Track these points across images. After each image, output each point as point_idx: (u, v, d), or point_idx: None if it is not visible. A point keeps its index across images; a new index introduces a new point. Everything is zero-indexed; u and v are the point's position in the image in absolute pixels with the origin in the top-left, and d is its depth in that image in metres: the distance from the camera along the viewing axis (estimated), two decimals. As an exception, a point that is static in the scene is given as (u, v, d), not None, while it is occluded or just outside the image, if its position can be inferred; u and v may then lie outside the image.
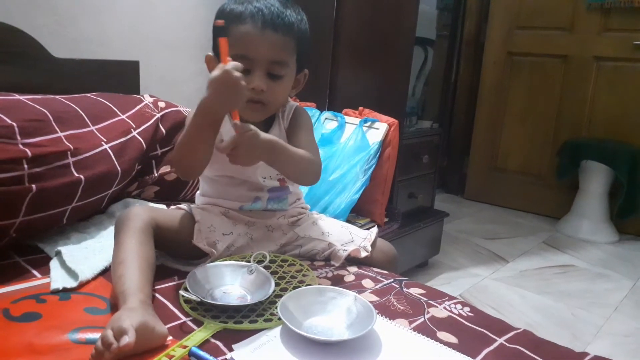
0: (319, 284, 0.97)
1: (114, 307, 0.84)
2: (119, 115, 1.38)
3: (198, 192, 1.18)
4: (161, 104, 1.52)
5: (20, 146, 1.08)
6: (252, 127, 0.89)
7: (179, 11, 1.94)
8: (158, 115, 1.47)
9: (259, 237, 1.11)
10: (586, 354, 0.84)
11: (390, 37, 1.89)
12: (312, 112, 1.93)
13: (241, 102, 0.88)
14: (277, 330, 0.81)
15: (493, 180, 3.23)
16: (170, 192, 1.46)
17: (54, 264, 1.01)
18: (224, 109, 0.90)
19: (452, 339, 0.84)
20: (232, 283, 0.93)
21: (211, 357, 0.71)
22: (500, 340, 0.85)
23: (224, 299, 0.89)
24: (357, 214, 1.79)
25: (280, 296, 0.85)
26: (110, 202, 1.31)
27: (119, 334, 0.69)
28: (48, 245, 1.09)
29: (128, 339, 0.68)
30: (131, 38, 1.80)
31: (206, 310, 0.85)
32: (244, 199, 1.11)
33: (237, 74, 0.85)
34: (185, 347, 0.73)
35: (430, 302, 0.97)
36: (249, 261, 0.97)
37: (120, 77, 1.67)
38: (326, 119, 1.91)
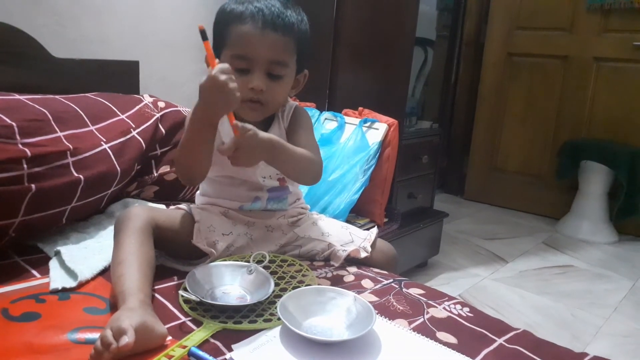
0: (318, 284, 0.97)
1: (114, 307, 0.84)
2: (119, 115, 1.38)
3: (198, 192, 1.18)
4: (161, 104, 1.52)
5: (20, 146, 1.08)
6: (251, 126, 0.89)
7: (179, 11, 1.94)
8: (158, 115, 1.47)
9: (259, 237, 1.11)
10: (585, 354, 0.84)
11: (390, 38, 1.89)
12: (312, 112, 1.93)
13: (234, 105, 0.87)
14: (276, 331, 0.81)
15: (493, 181, 3.23)
16: (170, 192, 1.46)
17: (53, 263, 1.01)
18: (217, 114, 0.90)
19: (452, 339, 0.84)
20: (231, 283, 0.93)
21: (211, 357, 0.71)
22: (500, 341, 0.85)
23: (224, 299, 0.89)
24: (356, 214, 1.79)
25: (279, 296, 0.85)
26: (109, 202, 1.31)
27: (118, 334, 0.69)
28: (47, 245, 1.09)
29: (127, 339, 0.68)
30: (131, 38, 1.80)
31: (206, 310, 0.85)
32: (243, 199, 1.11)
33: (223, 77, 0.84)
34: (184, 347, 0.73)
35: (430, 302, 0.97)
36: (248, 261, 0.97)
37: (120, 77, 1.67)
38: (326, 119, 1.91)
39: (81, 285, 0.94)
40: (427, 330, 0.86)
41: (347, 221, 1.55)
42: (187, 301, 0.87)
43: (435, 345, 0.81)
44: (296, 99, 1.94)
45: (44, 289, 0.92)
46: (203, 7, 1.99)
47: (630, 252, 2.56)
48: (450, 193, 3.44)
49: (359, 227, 1.49)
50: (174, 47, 1.94)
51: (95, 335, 0.75)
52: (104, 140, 1.27)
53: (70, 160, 1.15)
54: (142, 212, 0.97)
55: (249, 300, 0.88)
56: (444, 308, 0.95)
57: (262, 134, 0.91)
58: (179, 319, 0.84)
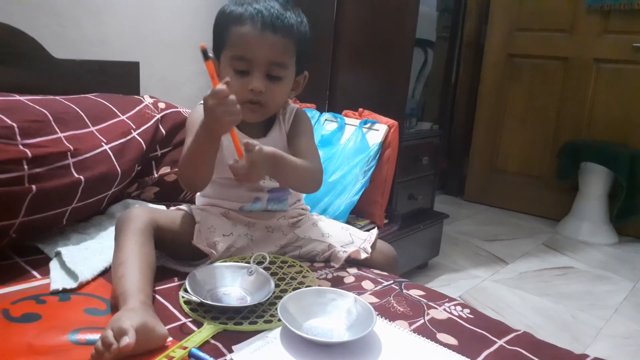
0: (318, 286, 0.97)
1: (114, 307, 0.84)
2: (119, 116, 1.38)
3: (198, 193, 1.18)
4: (161, 105, 1.52)
5: (21, 147, 1.08)
6: (256, 142, 0.89)
7: (180, 12, 1.94)
8: (158, 116, 1.47)
9: (259, 238, 1.11)
10: (586, 355, 0.84)
11: (390, 39, 1.89)
12: (312, 113, 1.93)
13: (235, 121, 0.87)
14: (277, 332, 0.81)
15: (493, 182, 3.23)
16: (170, 193, 1.46)
17: (53, 264, 1.01)
18: (218, 132, 0.90)
19: (452, 341, 0.84)
20: (232, 284, 0.93)
21: (211, 358, 0.71)
22: (500, 342, 0.85)
23: (224, 300, 0.89)
24: (356, 215, 1.79)
25: (280, 297, 0.85)
26: (110, 202, 1.31)
27: (119, 334, 0.69)
28: (48, 246, 1.09)
29: (128, 340, 0.68)
30: (131, 39, 1.80)
31: (206, 311, 0.85)
32: (244, 199, 1.11)
33: (211, 102, 0.84)
34: (185, 348, 0.73)
35: (430, 303, 0.97)
36: (248, 262, 0.97)
37: (121, 78, 1.67)
38: (326, 120, 1.91)
39: (82, 286, 0.94)
40: (427, 332, 0.86)
41: (348, 222, 1.55)
42: (187, 302, 0.87)
43: (435, 347, 0.81)
44: (296, 100, 1.94)
45: (44, 290, 0.92)
46: (203, 7, 1.99)
47: (630, 253, 2.56)
48: (451, 194, 3.44)
49: (359, 228, 1.49)
50: (174, 48, 1.94)
51: (95, 336, 0.75)
52: (105, 141, 1.27)
53: (70, 161, 1.15)
54: (142, 213, 0.97)
55: (249, 301, 0.88)
56: (444, 309, 0.95)
57: (266, 148, 0.92)
58: (179, 319, 0.84)
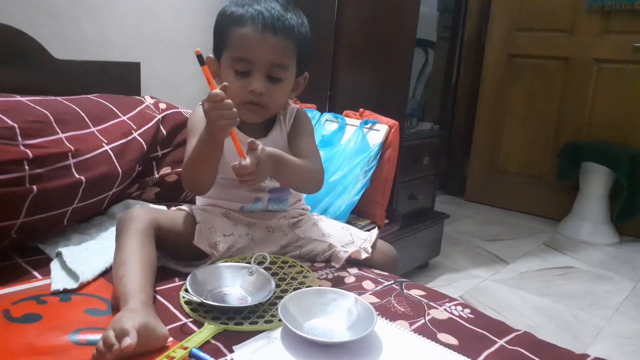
0: (319, 286, 0.97)
1: (115, 308, 0.84)
2: (120, 117, 1.38)
3: (200, 194, 1.18)
4: (162, 106, 1.52)
5: (21, 147, 1.08)
6: (258, 142, 0.90)
7: (180, 12, 1.94)
8: (159, 116, 1.47)
9: (260, 238, 1.11)
10: (586, 355, 0.84)
11: (390, 39, 1.89)
12: (313, 113, 1.93)
13: (230, 124, 0.87)
14: (277, 332, 0.81)
15: (493, 182, 3.23)
16: (171, 194, 1.46)
17: (54, 265, 1.01)
18: (219, 134, 0.90)
19: (453, 341, 0.84)
20: (232, 284, 0.93)
21: (212, 359, 0.71)
22: (501, 342, 0.85)
23: (225, 300, 0.89)
24: (357, 215, 1.79)
25: (280, 297, 0.85)
26: (110, 203, 1.31)
27: (121, 335, 0.69)
28: (49, 247, 1.10)
29: (130, 341, 0.68)
30: (132, 39, 1.81)
31: (207, 311, 0.85)
32: (244, 199, 1.11)
33: (206, 106, 0.86)
34: (185, 348, 0.73)
35: (431, 303, 0.97)
36: (249, 262, 0.97)
37: (121, 79, 1.67)
38: (327, 120, 1.91)
39: (82, 286, 0.94)
40: (428, 332, 0.86)
41: (348, 222, 1.55)
42: (188, 302, 0.88)
43: (436, 347, 0.82)
44: (297, 101, 1.94)
45: (45, 290, 0.92)
46: (204, 8, 1.99)
47: (631, 253, 2.56)
48: (451, 194, 3.44)
49: (360, 228, 1.49)
50: (174, 48, 1.94)
51: (96, 336, 0.75)
52: (105, 141, 1.27)
53: (71, 161, 1.15)
54: (143, 213, 0.97)
55: (250, 301, 0.88)
56: (445, 309, 0.95)
57: (267, 148, 0.92)
58: (180, 320, 0.84)
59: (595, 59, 2.81)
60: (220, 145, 0.93)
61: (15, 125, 1.10)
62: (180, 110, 1.54)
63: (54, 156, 1.12)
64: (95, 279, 0.97)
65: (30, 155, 1.07)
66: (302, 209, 1.21)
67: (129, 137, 1.34)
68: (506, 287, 2.06)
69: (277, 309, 0.82)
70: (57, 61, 1.50)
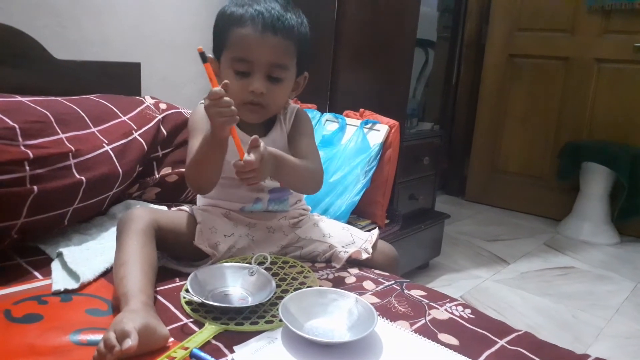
0: (320, 286, 0.97)
1: (116, 308, 0.84)
2: (120, 117, 1.38)
3: (200, 193, 1.18)
4: (162, 106, 1.52)
5: (22, 148, 1.08)
6: (260, 140, 0.90)
7: (180, 13, 1.94)
8: (159, 116, 1.47)
9: (260, 239, 1.11)
10: (587, 355, 0.84)
11: (391, 39, 1.89)
12: (313, 113, 1.93)
13: (228, 122, 0.87)
14: (278, 332, 0.81)
15: (494, 182, 3.23)
16: (172, 194, 1.46)
17: (55, 265, 1.01)
18: (218, 132, 0.90)
19: (453, 341, 0.84)
20: (233, 284, 0.93)
21: (212, 359, 0.71)
22: (502, 342, 0.85)
23: (225, 301, 0.89)
24: (358, 215, 1.79)
25: (281, 298, 0.85)
26: (111, 203, 1.31)
27: (122, 336, 0.69)
28: (49, 247, 1.10)
29: (131, 342, 0.68)
30: (132, 39, 1.81)
31: (207, 311, 0.85)
32: (245, 200, 1.12)
33: (206, 101, 0.86)
34: (186, 348, 0.73)
35: (431, 303, 0.97)
36: (250, 263, 0.97)
37: (122, 79, 1.67)
38: (327, 120, 1.91)
39: (83, 286, 0.94)
40: (428, 332, 0.86)
41: (349, 222, 1.55)
42: (189, 303, 0.88)
43: (436, 347, 0.82)
44: (297, 101, 1.94)
45: (46, 291, 0.92)
46: (204, 8, 1.99)
47: (631, 253, 2.56)
48: (451, 194, 3.44)
49: (360, 228, 1.49)
50: (175, 48, 1.94)
51: (97, 336, 0.75)
52: (106, 142, 1.27)
53: (72, 162, 1.16)
54: (144, 213, 0.97)
55: (250, 301, 0.88)
56: (446, 309, 0.95)
57: (268, 148, 0.92)
58: (180, 320, 0.84)
59: (595, 58, 2.81)
60: (224, 144, 0.92)
61: (15, 125, 1.10)
62: (180, 110, 1.54)
63: (54, 156, 1.12)
64: (96, 279, 0.97)
65: (31, 155, 1.07)
66: (303, 209, 1.21)
67: (130, 138, 1.34)
68: (507, 287, 2.06)
69: (277, 309, 0.82)
70: (58, 61, 1.50)
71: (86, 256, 1.03)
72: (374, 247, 1.14)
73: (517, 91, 3.08)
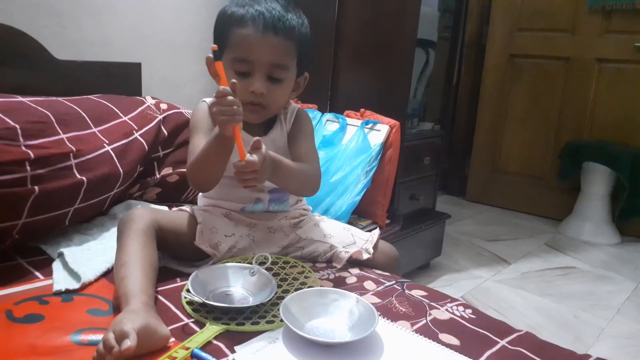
0: (320, 286, 0.97)
1: (117, 308, 0.84)
2: (121, 117, 1.38)
3: (200, 193, 1.18)
4: (163, 106, 1.52)
5: (23, 148, 1.08)
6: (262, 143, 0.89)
7: (181, 13, 1.94)
8: (160, 117, 1.47)
9: (261, 239, 1.11)
10: (588, 356, 0.84)
11: (391, 39, 1.89)
12: (314, 113, 1.93)
13: (229, 120, 0.87)
14: (279, 332, 0.81)
15: (494, 182, 3.23)
16: (172, 194, 1.47)
17: (56, 265, 1.01)
18: (222, 130, 0.89)
19: (454, 341, 0.84)
20: (234, 285, 0.93)
21: (213, 359, 0.71)
22: (502, 342, 0.85)
23: (226, 301, 0.89)
24: (358, 215, 1.79)
25: (282, 298, 0.85)
26: (112, 203, 1.31)
27: (121, 337, 0.69)
28: (50, 247, 1.10)
29: (129, 343, 0.68)
30: (133, 40, 1.81)
31: (208, 311, 0.85)
32: (245, 200, 1.12)
33: (216, 98, 0.86)
34: (187, 348, 0.73)
35: (432, 304, 0.97)
36: (251, 263, 0.97)
37: (122, 79, 1.67)
38: (327, 120, 1.91)
39: (84, 286, 0.94)
40: (429, 332, 0.86)
41: (349, 223, 1.55)
42: (190, 303, 0.88)
43: (437, 347, 0.81)
44: (298, 101, 1.94)
45: (47, 291, 0.92)
46: (204, 8, 1.99)
47: (632, 253, 2.56)
48: (452, 194, 3.44)
49: (361, 228, 1.49)
50: (176, 49, 1.94)
51: (98, 336, 0.75)
52: (107, 142, 1.27)
53: (73, 162, 1.16)
54: (145, 213, 0.97)
55: (251, 301, 0.88)
56: (447, 310, 0.95)
57: (269, 151, 0.92)
58: (181, 320, 0.84)
59: (596, 58, 2.80)
60: (228, 143, 0.92)
61: (16, 125, 1.10)
62: (181, 110, 1.55)
63: (55, 157, 1.12)
64: (97, 280, 0.97)
65: (32, 155, 1.07)
66: (303, 209, 1.21)
67: (130, 138, 1.34)
68: (508, 287, 2.06)
69: (278, 310, 0.82)
70: (58, 62, 1.50)
71: (87, 256, 1.03)
72: (374, 247, 1.14)
73: (517, 91, 3.08)
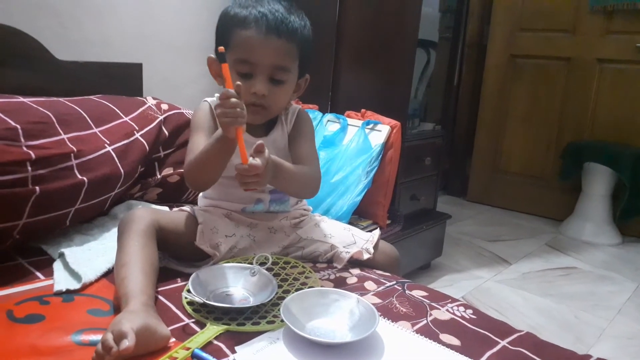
0: (321, 286, 0.97)
1: (117, 308, 0.84)
2: (122, 118, 1.38)
3: (200, 194, 1.19)
4: (164, 106, 1.52)
5: (24, 148, 1.08)
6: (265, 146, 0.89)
7: (182, 13, 1.94)
8: (161, 117, 1.47)
9: (262, 239, 1.11)
10: (589, 356, 0.84)
11: (392, 39, 1.89)
12: (315, 114, 1.93)
13: (232, 123, 0.87)
14: (279, 332, 0.81)
15: (495, 182, 3.23)
16: (173, 194, 1.47)
17: (57, 265, 1.01)
18: (225, 132, 0.89)
19: (455, 342, 0.84)
20: (234, 285, 0.93)
21: (214, 359, 0.71)
22: (503, 343, 0.85)
23: (227, 301, 0.89)
24: (359, 216, 1.79)
25: (282, 298, 0.85)
26: (113, 204, 1.31)
27: (119, 337, 0.69)
28: (51, 247, 1.10)
29: (128, 343, 0.68)
30: (134, 40, 1.81)
31: (209, 312, 0.85)
32: (246, 200, 1.12)
33: (220, 100, 0.86)
34: (188, 348, 0.73)
35: (433, 304, 0.97)
36: (251, 263, 0.97)
37: (123, 80, 1.68)
38: (328, 121, 1.91)
39: (85, 287, 0.94)
40: (430, 332, 0.86)
41: (350, 223, 1.55)
42: (190, 303, 0.88)
43: (438, 347, 0.81)
44: (299, 101, 1.94)
45: (48, 291, 0.92)
46: (206, 9, 1.99)
47: (634, 253, 2.55)
48: (453, 195, 3.44)
49: (362, 228, 1.49)
50: (176, 49, 1.95)
51: (99, 336, 0.75)
52: (108, 142, 1.28)
53: (74, 162, 1.16)
54: (145, 214, 0.98)
55: (252, 302, 0.88)
56: (447, 310, 0.95)
57: (271, 155, 0.92)
58: (182, 320, 0.84)
59: (597, 59, 2.80)
60: (230, 145, 0.92)
61: (17, 126, 1.10)
62: (182, 111, 1.55)
63: (56, 157, 1.12)
64: (97, 280, 0.97)
65: (33, 156, 1.08)
66: (304, 209, 1.21)
67: (131, 138, 1.34)
68: (508, 287, 2.06)
69: (279, 310, 0.82)
70: (59, 62, 1.50)
71: (88, 256, 1.04)
72: (375, 247, 1.14)
73: (518, 91, 3.08)
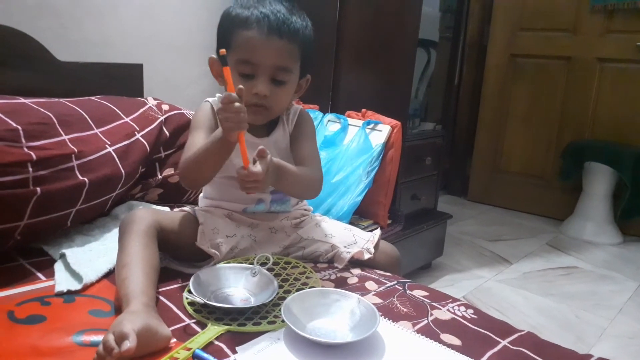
0: (322, 286, 0.97)
1: (118, 309, 0.84)
2: (123, 118, 1.38)
3: (201, 194, 1.19)
4: (165, 107, 1.52)
5: (25, 149, 1.08)
6: (267, 151, 0.90)
7: (183, 14, 1.94)
8: (162, 118, 1.47)
9: (262, 239, 1.11)
10: (590, 356, 0.84)
11: (393, 39, 1.89)
12: (315, 114, 1.93)
13: (234, 128, 0.87)
14: (280, 333, 0.81)
15: (496, 182, 3.23)
16: (174, 195, 1.47)
17: (58, 266, 1.01)
18: (226, 136, 0.90)
19: (456, 341, 0.84)
20: (235, 285, 0.93)
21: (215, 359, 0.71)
22: (504, 343, 0.85)
23: (228, 301, 0.89)
24: (360, 215, 1.79)
25: (283, 298, 0.85)
26: (114, 204, 1.31)
27: (120, 338, 0.69)
28: (52, 248, 1.10)
29: (129, 344, 0.68)
30: (135, 41, 1.81)
31: (210, 312, 0.85)
32: (246, 201, 1.12)
33: (222, 104, 0.86)
34: (189, 349, 0.74)
35: (434, 304, 0.97)
36: (252, 263, 0.97)
37: (124, 80, 1.68)
38: (329, 121, 1.91)
39: (86, 287, 0.94)
40: (431, 332, 0.86)
41: (351, 223, 1.55)
42: (191, 303, 0.88)
43: (439, 347, 0.81)
44: (300, 102, 1.94)
45: (49, 292, 0.92)
46: (206, 9, 1.99)
47: (634, 253, 2.55)
48: (454, 194, 3.44)
49: (363, 228, 1.49)
50: (176, 50, 1.95)
51: (100, 337, 0.75)
52: (109, 143, 1.28)
53: (75, 163, 1.16)
54: (146, 214, 0.98)
55: (253, 302, 0.88)
56: (448, 310, 0.95)
57: (273, 158, 0.92)
58: (183, 321, 0.84)
59: (598, 58, 2.80)
60: (230, 147, 0.92)
61: (18, 127, 1.10)
62: (183, 111, 1.55)
63: (57, 158, 1.12)
64: (98, 281, 0.97)
65: (34, 157, 1.08)
66: (305, 209, 1.21)
67: (132, 139, 1.34)
68: (509, 287, 2.06)
69: (280, 310, 0.82)
70: (60, 63, 1.50)
71: (89, 257, 1.04)
72: (376, 247, 1.14)
73: (519, 91, 3.08)
